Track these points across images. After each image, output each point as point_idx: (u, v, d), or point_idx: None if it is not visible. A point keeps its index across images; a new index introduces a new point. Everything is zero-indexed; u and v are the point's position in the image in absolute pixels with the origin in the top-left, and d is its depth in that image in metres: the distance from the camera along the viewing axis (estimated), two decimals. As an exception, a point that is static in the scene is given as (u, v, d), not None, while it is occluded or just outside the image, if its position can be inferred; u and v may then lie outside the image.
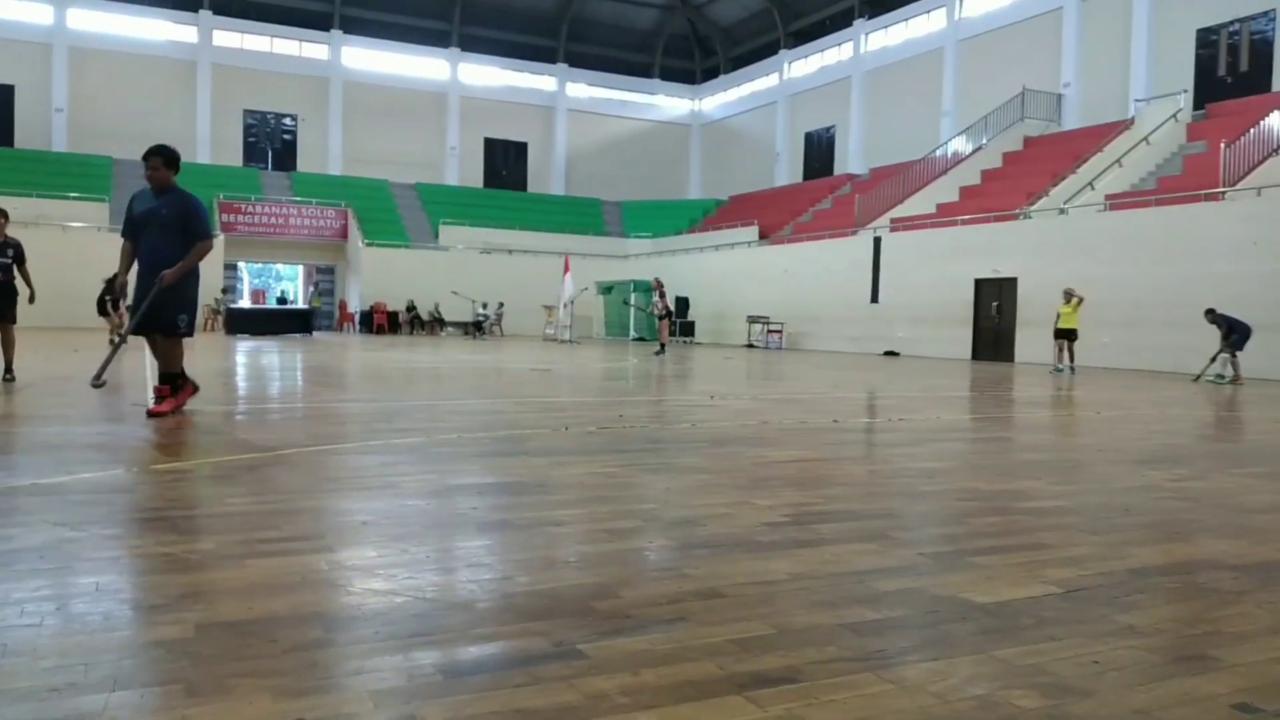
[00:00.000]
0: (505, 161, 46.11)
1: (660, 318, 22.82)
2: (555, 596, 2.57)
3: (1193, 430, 8.24)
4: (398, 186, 41.29)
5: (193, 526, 3.33)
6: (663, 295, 22.97)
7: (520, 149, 46.44)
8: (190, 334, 6.73)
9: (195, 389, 6.96)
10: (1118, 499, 4.33)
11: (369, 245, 34.87)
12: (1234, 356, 14.80)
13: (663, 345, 22.10)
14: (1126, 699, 1.95)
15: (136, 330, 6.58)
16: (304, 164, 41.60)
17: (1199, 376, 15.16)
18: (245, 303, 36.21)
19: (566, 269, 28.37)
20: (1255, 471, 5.41)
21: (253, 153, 41.44)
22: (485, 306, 33.49)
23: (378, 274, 34.36)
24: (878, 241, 26.50)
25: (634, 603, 2.52)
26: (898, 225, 27.17)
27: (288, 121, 42.18)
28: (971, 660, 2.16)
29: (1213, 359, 15.02)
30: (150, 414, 6.38)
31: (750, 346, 28.96)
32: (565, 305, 28.08)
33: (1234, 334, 14.75)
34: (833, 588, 2.72)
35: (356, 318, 34.80)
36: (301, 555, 2.94)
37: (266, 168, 40.78)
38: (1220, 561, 3.20)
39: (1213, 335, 15.14)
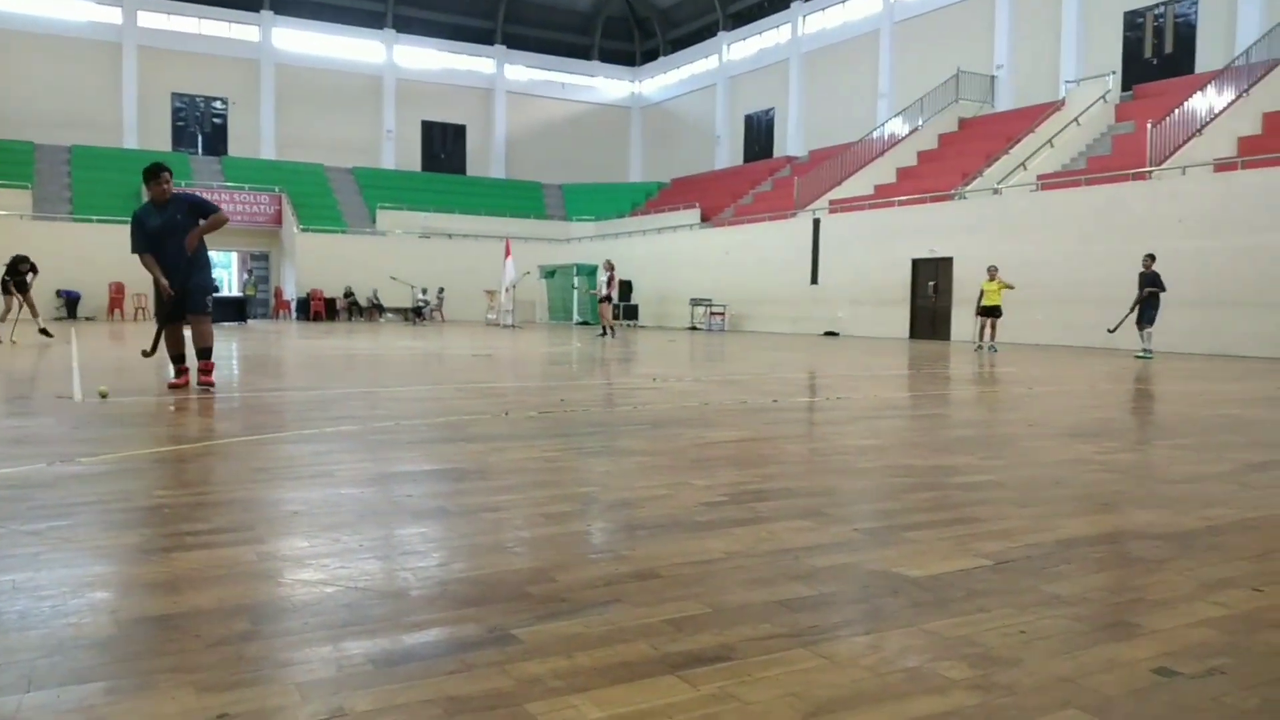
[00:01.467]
0: (444, 145, 45.57)
1: (601, 300, 22.50)
2: (490, 582, 2.54)
3: (1120, 404, 8.47)
4: (333, 171, 40.57)
5: (117, 521, 3.24)
6: (612, 279, 22.62)
7: (459, 132, 45.91)
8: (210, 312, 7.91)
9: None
10: (1048, 472, 4.42)
11: (304, 231, 34.22)
12: (1142, 329, 15.22)
13: (607, 328, 21.73)
14: (1052, 667, 1.99)
15: (171, 319, 7.72)
16: (235, 148, 40.65)
17: (1115, 328, 15.55)
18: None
19: (508, 253, 28.15)
20: (1179, 443, 5.58)
21: (182, 137, 40.39)
22: (425, 292, 33.12)
23: (314, 260, 33.75)
24: (817, 223, 26.73)
25: (569, 586, 2.50)
26: (836, 207, 27.43)
27: (218, 105, 41.17)
28: (903, 633, 2.19)
29: (1131, 309, 15.37)
30: (203, 384, 7.65)
31: (693, 329, 29.06)
32: (507, 290, 27.88)
33: (1148, 290, 15.11)
34: (768, 565, 2.74)
35: (293, 305, 34.16)
36: (229, 548, 2.87)
37: (196, 152, 39.78)
38: (1144, 531, 3.28)
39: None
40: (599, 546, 2.97)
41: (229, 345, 15.80)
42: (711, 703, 1.79)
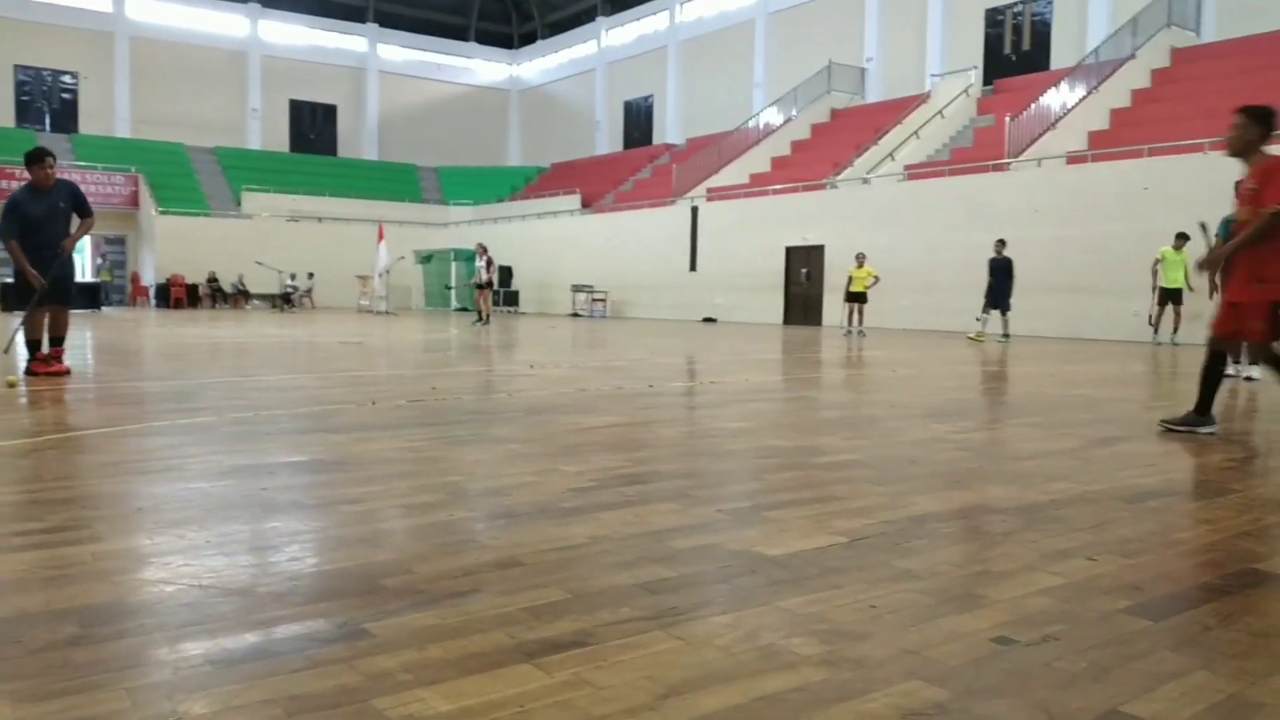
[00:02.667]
0: (313, 125, 44.09)
1: (480, 287, 21.70)
2: (344, 576, 2.46)
3: (976, 386, 8.85)
4: (195, 150, 38.73)
5: (-65, 522, 3.00)
6: (490, 262, 21.85)
7: (329, 112, 44.49)
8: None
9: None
10: (905, 451, 4.58)
11: (163, 213, 32.60)
12: (989, 314, 15.98)
13: (484, 315, 21.02)
14: (899, 639, 2.05)
15: (42, 304, 7.56)
16: (87, 125, 38.37)
17: (981, 319, 16.30)
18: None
19: (381, 237, 27.49)
20: (1029, 421, 5.86)
21: (27, 113, 37.88)
22: (294, 278, 32.01)
23: (174, 244, 32.18)
24: (695, 211, 27.02)
25: (427, 577, 2.45)
26: (714, 195, 27.79)
27: (67, 79, 38.77)
28: (758, 612, 2.22)
29: (987, 301, 16.11)
30: (55, 372, 7.57)
31: (575, 315, 29.00)
32: (380, 275, 27.21)
33: (995, 279, 15.86)
34: (632, 549, 2.74)
35: (151, 291, 32.51)
36: (63, 547, 2.70)
37: (44, 129, 37.36)
38: (992, 506, 3.43)
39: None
40: (461, 536, 2.91)
41: (82, 333, 14.91)
42: (565, 689, 1.77)
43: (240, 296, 32.70)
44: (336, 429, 5.04)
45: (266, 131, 42.40)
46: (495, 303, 30.14)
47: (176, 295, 31.92)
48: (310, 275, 32.74)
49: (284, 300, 31.43)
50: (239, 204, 35.70)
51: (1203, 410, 5.22)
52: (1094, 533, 3.04)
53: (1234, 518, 3.31)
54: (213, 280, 32.69)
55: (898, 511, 3.27)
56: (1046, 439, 5.05)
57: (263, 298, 32.73)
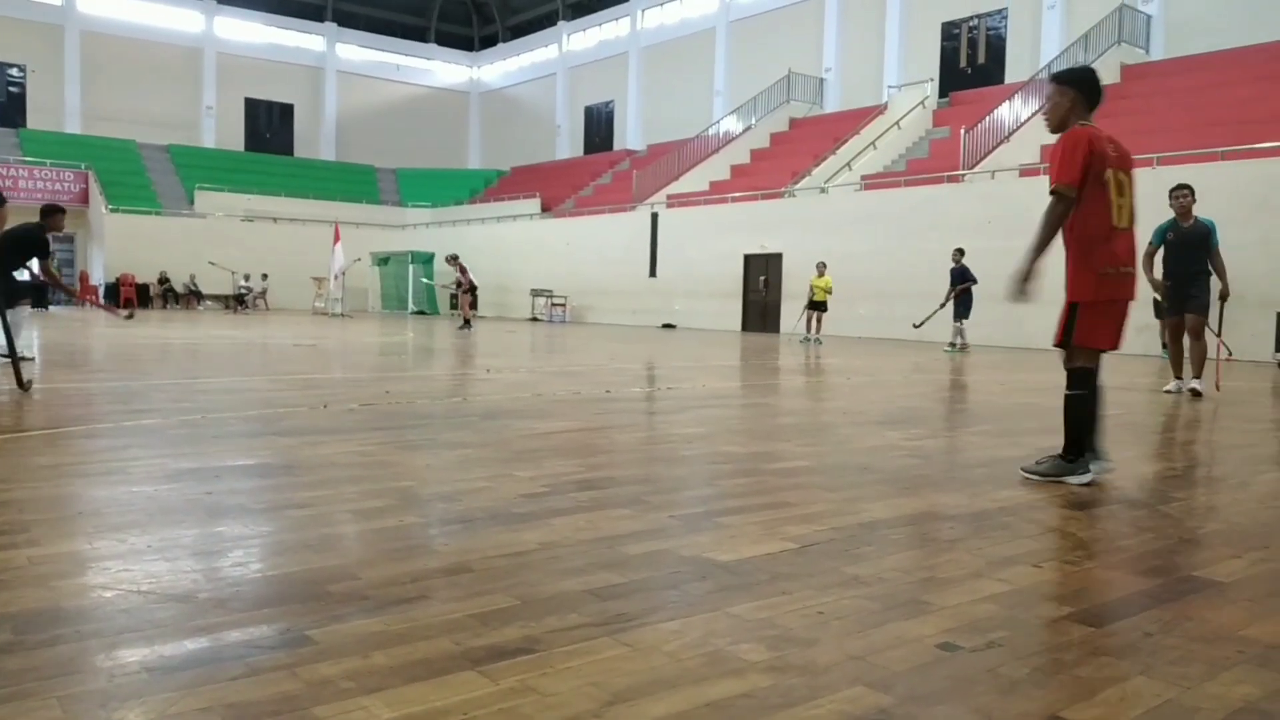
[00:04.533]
0: (269, 124, 43.52)
1: (464, 292, 21.31)
2: (288, 582, 2.42)
3: (930, 394, 8.95)
4: (147, 148, 38.02)
5: None
6: (463, 270, 21.26)
7: (286, 111, 43.95)
8: None
9: None
10: (858, 458, 4.61)
11: (113, 211, 31.95)
12: (957, 324, 16.19)
13: (467, 320, 20.79)
14: (845, 645, 2.07)
15: None
16: (35, 120, 37.50)
17: (922, 323, 16.45)
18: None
19: (337, 238, 27.19)
20: (980, 430, 5.94)
21: (-29, 106, 36.95)
22: (247, 278, 31.53)
23: (125, 243, 31.54)
24: (655, 217, 27.07)
25: (373, 583, 2.41)
26: (674, 201, 27.86)
27: (14, 72, 37.91)
28: (707, 618, 2.22)
29: (940, 306, 16.29)
30: None
31: (534, 320, 28.90)
32: (336, 277, 26.91)
33: (963, 284, 16.05)
34: (582, 555, 2.72)
35: (101, 291, 31.84)
36: (-3, 552, 2.62)
37: (-11, 123, 36.47)
38: (941, 513, 3.47)
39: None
40: (410, 542, 2.88)
41: (28, 333, 14.54)
42: (510, 696, 1.76)
43: (192, 297, 32.14)
44: (286, 432, 4.97)
45: (221, 130, 41.76)
46: (453, 307, 29.92)
47: (126, 295, 31.26)
48: (264, 276, 32.27)
49: (237, 301, 30.95)
50: (192, 203, 35.11)
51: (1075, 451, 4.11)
52: (1040, 540, 3.09)
53: (1174, 526, 3.37)
54: (164, 280, 32.10)
55: (848, 518, 3.29)
56: (996, 447, 5.12)
57: (215, 299, 32.20)
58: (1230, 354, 9.40)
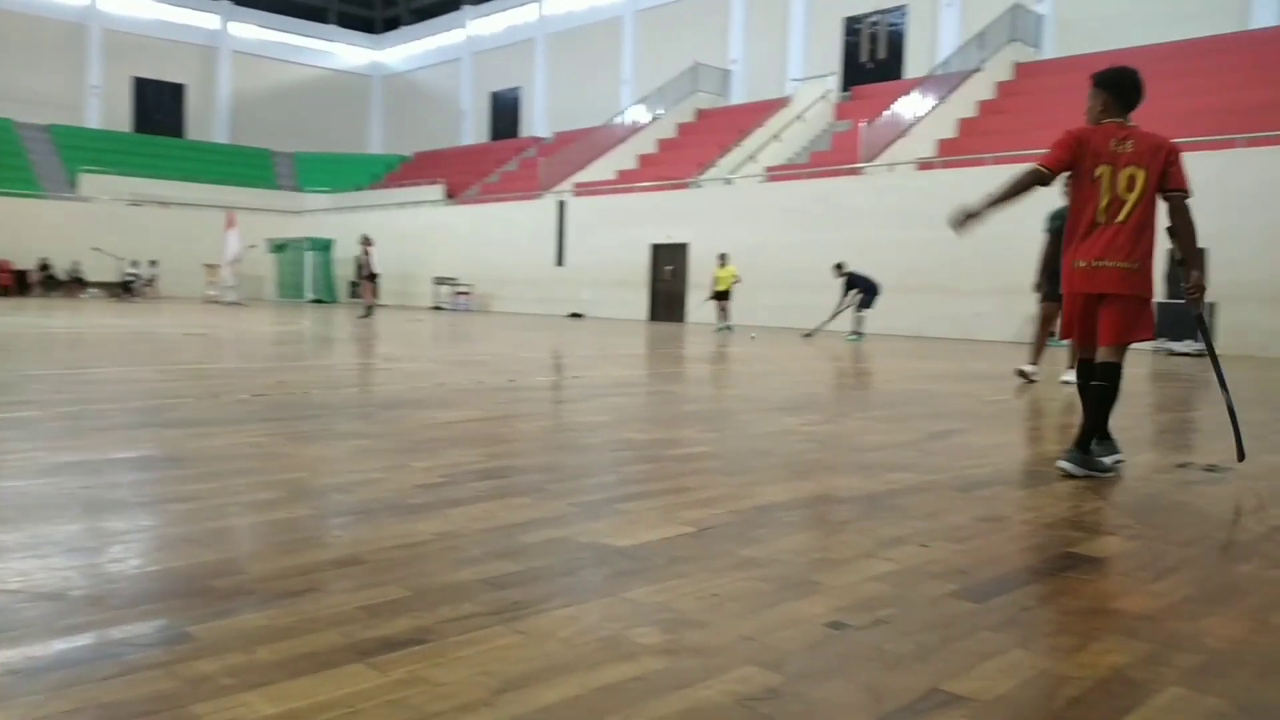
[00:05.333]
0: (159, 104, 41.77)
1: (365, 279, 20.84)
2: (168, 577, 2.33)
3: (828, 381, 9.15)
4: (26, 128, 36.07)
5: None
6: (367, 254, 20.75)
7: (177, 91, 42.24)
8: None
9: None
10: (756, 443, 4.68)
11: (-11, 193, 30.27)
12: (860, 314, 16.59)
13: (369, 308, 20.37)
14: (738, 626, 2.09)
15: None
16: (-101, 95, 35.26)
17: (812, 332, 16.78)
18: None
19: (230, 224, 26.29)
20: (875, 415, 6.09)
21: None
22: (135, 265, 30.23)
23: (1, 228, 29.90)
24: (562, 205, 26.94)
25: (259, 577, 2.34)
26: (581, 190, 27.78)
27: (-125, 43, 35.52)
28: (603, 603, 2.22)
29: (832, 316, 16.66)
30: None
31: (438, 309, 28.48)
32: (230, 264, 26.03)
33: (855, 289, 16.46)
34: (479, 545, 2.69)
35: (-25, 277, 30.16)
36: None
37: None
38: (834, 495, 3.54)
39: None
40: (299, 535, 2.80)
41: (-113, 321, 13.71)
42: (399, 688, 1.72)
43: (76, 284, 30.68)
44: (172, 424, 4.78)
45: (108, 110, 39.91)
46: (354, 295, 29.30)
47: (3, 282, 29.68)
48: (153, 263, 31.01)
49: (124, 289, 29.65)
50: (75, 186, 33.48)
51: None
52: (928, 520, 3.18)
53: (1055, 505, 3.52)
54: (45, 267, 30.55)
55: (745, 502, 3.33)
56: (889, 431, 5.25)
57: (101, 286, 30.77)
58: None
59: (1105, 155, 4.00)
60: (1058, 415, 6.58)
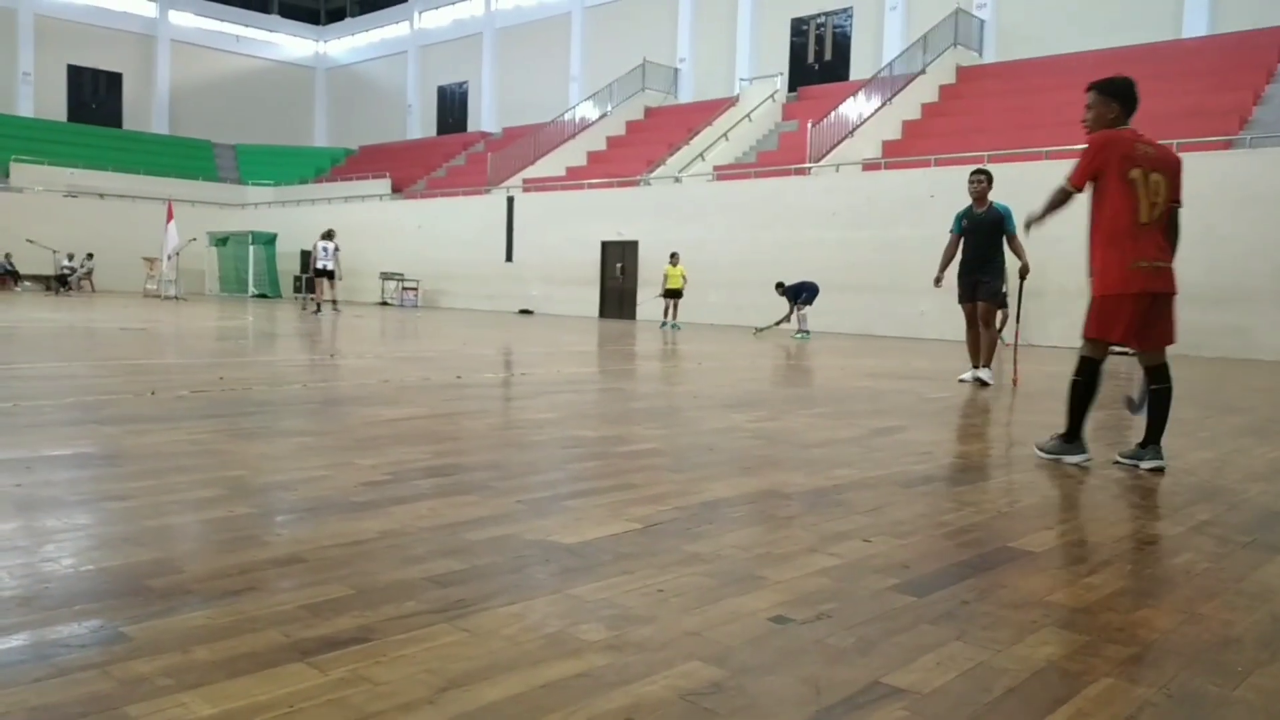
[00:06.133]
0: (95, 93, 40.67)
1: (317, 275, 20.50)
2: (104, 578, 2.28)
3: (774, 378, 9.22)
4: (-46, 115, 34.90)
5: None
6: (324, 249, 20.34)
7: (114, 80, 41.16)
8: None
9: None
10: (703, 440, 4.71)
11: (-86, 183, 29.22)
12: (801, 311, 16.80)
13: (319, 305, 20.21)
14: (682, 622, 2.11)
15: None
16: None
17: (761, 330, 17.01)
18: None
19: (169, 216, 25.70)
20: (820, 412, 6.15)
21: None
22: (71, 258, 29.40)
23: (-72, 217, 28.91)
24: (511, 201, 26.78)
25: (198, 577, 2.30)
26: (530, 186, 27.63)
27: None
28: (548, 600, 2.22)
29: (780, 321, 16.98)
30: None
31: (384, 304, 28.14)
32: (169, 257, 25.46)
33: (802, 296, 16.70)
34: (423, 542, 2.68)
35: (-101, 269, 29.09)
36: None
37: None
38: (780, 491, 3.58)
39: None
40: (239, 533, 2.75)
41: None
42: (340, 687, 1.71)
43: (8, 277, 29.74)
44: (108, 420, 4.67)
45: (40, 98, 38.73)
46: (299, 290, 28.89)
47: (-71, 274, 28.70)
48: (90, 256, 30.18)
49: (59, 282, 28.82)
50: (6, 176, 32.44)
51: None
52: (871, 516, 3.23)
53: (994, 500, 3.59)
54: (-26, 259, 29.59)
55: (691, 498, 3.35)
56: (834, 428, 5.32)
57: (35, 279, 29.88)
58: (1010, 341, 9.61)
59: (1136, 158, 4.20)
60: (992, 412, 6.71)
